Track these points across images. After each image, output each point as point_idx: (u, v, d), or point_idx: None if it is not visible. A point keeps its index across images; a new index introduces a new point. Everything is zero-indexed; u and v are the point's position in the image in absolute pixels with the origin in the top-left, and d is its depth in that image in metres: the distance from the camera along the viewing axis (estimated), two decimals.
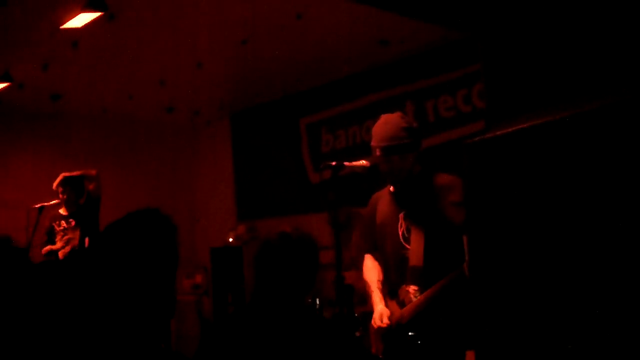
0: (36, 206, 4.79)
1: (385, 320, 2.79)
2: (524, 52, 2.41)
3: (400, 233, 2.86)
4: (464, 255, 2.67)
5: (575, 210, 1.81)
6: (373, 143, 2.92)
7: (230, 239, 7.28)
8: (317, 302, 4.78)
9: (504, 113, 2.39)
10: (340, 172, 2.87)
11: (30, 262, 2.04)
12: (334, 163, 2.85)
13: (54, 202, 4.94)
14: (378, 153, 2.88)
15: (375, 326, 2.85)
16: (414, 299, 2.73)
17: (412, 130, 2.88)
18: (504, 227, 1.93)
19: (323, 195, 6.61)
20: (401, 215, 2.88)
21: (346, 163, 2.89)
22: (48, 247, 5.13)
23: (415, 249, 2.76)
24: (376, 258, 3.07)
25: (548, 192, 1.85)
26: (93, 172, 4.94)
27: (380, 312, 2.83)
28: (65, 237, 5.10)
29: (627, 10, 2.15)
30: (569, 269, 1.82)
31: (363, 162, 2.92)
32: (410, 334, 2.71)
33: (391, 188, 3.00)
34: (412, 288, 2.76)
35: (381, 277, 2.98)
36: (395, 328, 2.77)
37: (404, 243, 2.83)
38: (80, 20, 4.50)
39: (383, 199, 3.03)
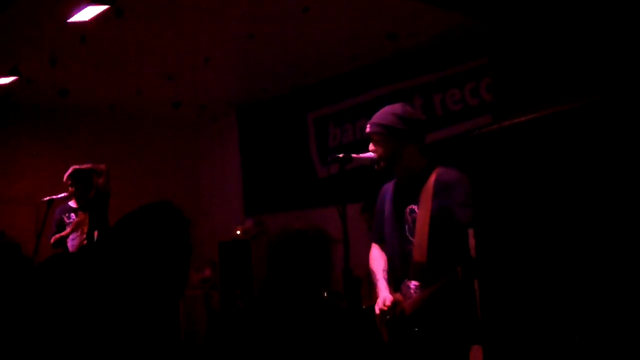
0: (45, 199, 4.82)
1: (388, 304, 2.79)
2: (532, 45, 2.39)
3: (405, 228, 2.86)
4: (467, 253, 2.67)
5: (581, 202, 1.81)
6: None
7: (238, 232, 7.29)
8: (325, 294, 4.77)
9: (512, 106, 2.38)
10: (348, 165, 2.88)
11: (24, 257, 2.06)
12: (341, 155, 2.85)
13: (62, 195, 4.96)
14: (367, 129, 2.90)
15: (377, 310, 2.85)
16: (414, 295, 2.73)
17: (406, 119, 2.85)
18: (511, 218, 1.92)
19: (331, 189, 6.61)
20: (407, 209, 2.87)
21: (354, 155, 2.89)
22: (57, 235, 5.12)
23: (419, 244, 2.75)
24: (382, 249, 3.07)
25: (555, 183, 1.84)
26: (102, 166, 4.95)
27: (384, 297, 2.84)
28: (76, 221, 5.09)
29: (633, 7, 2.14)
30: (574, 258, 1.81)
31: (371, 154, 2.92)
32: (415, 329, 2.71)
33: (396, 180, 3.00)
34: (413, 284, 2.76)
35: (386, 267, 2.99)
36: (398, 318, 2.77)
37: (409, 238, 2.83)
38: (87, 13, 4.51)
39: (390, 191, 3.02)
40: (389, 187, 3.06)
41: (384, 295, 2.85)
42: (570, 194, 1.83)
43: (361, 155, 2.92)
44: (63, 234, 5.12)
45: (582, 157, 1.81)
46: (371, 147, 2.92)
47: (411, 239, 2.81)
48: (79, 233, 5.08)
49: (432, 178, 2.81)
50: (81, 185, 5.01)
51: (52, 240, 5.11)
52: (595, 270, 1.78)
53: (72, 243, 5.13)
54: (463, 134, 5.47)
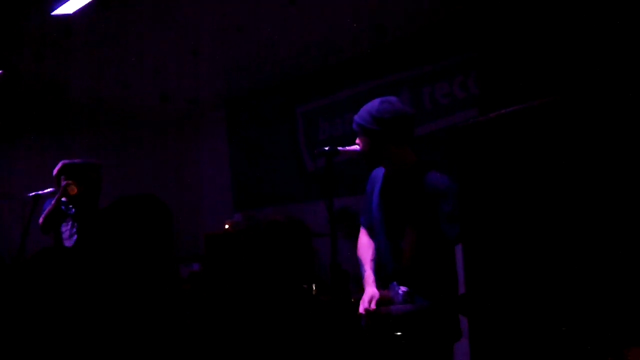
0: (30, 195, 4.77)
1: (373, 306, 2.79)
2: (519, 39, 2.40)
3: (393, 229, 2.85)
4: (454, 264, 2.70)
5: (565, 193, 1.81)
6: None
7: (227, 226, 7.27)
8: (314, 288, 4.77)
9: (498, 98, 2.38)
10: (335, 158, 2.87)
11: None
12: (327, 148, 2.84)
13: (48, 190, 4.91)
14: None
15: (363, 308, 2.84)
16: (403, 303, 2.74)
17: (379, 120, 2.81)
18: (496, 208, 1.93)
19: (320, 183, 6.60)
20: (394, 210, 2.86)
21: (340, 148, 2.88)
22: (46, 211, 5.00)
23: (408, 249, 2.75)
24: (371, 235, 3.07)
25: (540, 174, 1.85)
26: (94, 161, 4.93)
27: (371, 294, 2.83)
28: (63, 186, 4.90)
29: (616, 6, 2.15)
30: (558, 247, 1.82)
31: (357, 147, 2.91)
32: (397, 334, 2.72)
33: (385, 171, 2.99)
34: (402, 290, 2.76)
35: (374, 257, 2.99)
36: (383, 318, 2.78)
37: (397, 240, 2.82)
38: (72, 5, 4.47)
39: (379, 182, 3.00)
40: (378, 175, 3.04)
41: (371, 292, 2.86)
42: (555, 185, 1.83)
43: (348, 148, 2.92)
44: (53, 202, 4.95)
45: (567, 149, 1.81)
46: (357, 141, 2.93)
47: (399, 241, 2.81)
48: (69, 227, 5.02)
49: (422, 182, 2.78)
50: (72, 180, 4.94)
51: (40, 221, 4.99)
52: (582, 261, 1.78)
53: (62, 237, 5.08)
54: (451, 127, 5.48)
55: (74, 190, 4.81)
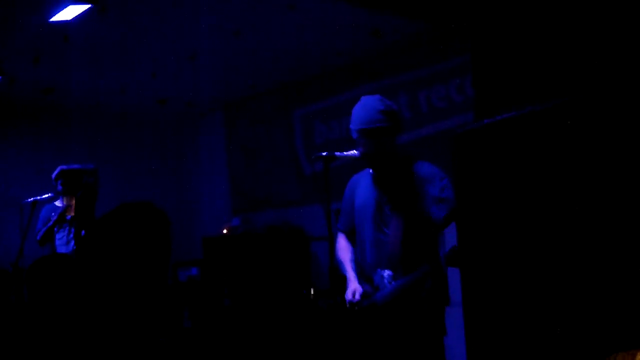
0: (29, 200, 4.79)
1: (357, 297, 2.83)
2: (513, 44, 2.42)
3: (379, 217, 2.89)
4: (438, 247, 2.74)
5: (562, 199, 1.83)
6: (351, 126, 2.93)
7: (225, 231, 7.28)
8: (312, 292, 4.78)
9: (494, 104, 2.40)
10: (332, 163, 2.90)
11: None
12: (325, 154, 2.87)
13: (46, 195, 4.93)
14: (355, 136, 2.89)
15: (347, 302, 2.88)
16: (388, 285, 2.78)
17: (390, 113, 2.87)
18: (493, 215, 1.95)
19: (317, 187, 6.62)
20: (381, 199, 2.91)
21: (337, 153, 2.91)
22: (44, 231, 5.04)
23: (393, 234, 2.81)
24: (349, 239, 3.10)
25: (535, 181, 1.86)
26: (91, 166, 4.96)
27: (354, 289, 2.88)
28: (61, 210, 4.95)
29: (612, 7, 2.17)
30: (555, 254, 1.84)
31: (355, 151, 2.94)
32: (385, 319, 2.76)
33: (371, 170, 3.02)
34: (387, 273, 2.81)
35: (353, 257, 3.03)
36: (369, 310, 2.81)
37: (382, 227, 2.87)
38: (70, 12, 4.49)
39: (363, 181, 3.05)
40: (360, 177, 3.09)
41: (354, 287, 2.89)
42: (555, 191, 1.85)
43: (345, 153, 2.95)
44: (50, 224, 5.01)
45: (564, 155, 1.83)
46: (363, 149, 2.92)
47: (385, 228, 2.85)
48: (66, 232, 5.05)
49: (409, 169, 2.86)
50: (70, 185, 4.97)
51: (38, 237, 5.05)
52: (575, 262, 1.80)
53: (58, 242, 5.10)
54: (448, 131, 5.50)
55: (71, 213, 4.88)
